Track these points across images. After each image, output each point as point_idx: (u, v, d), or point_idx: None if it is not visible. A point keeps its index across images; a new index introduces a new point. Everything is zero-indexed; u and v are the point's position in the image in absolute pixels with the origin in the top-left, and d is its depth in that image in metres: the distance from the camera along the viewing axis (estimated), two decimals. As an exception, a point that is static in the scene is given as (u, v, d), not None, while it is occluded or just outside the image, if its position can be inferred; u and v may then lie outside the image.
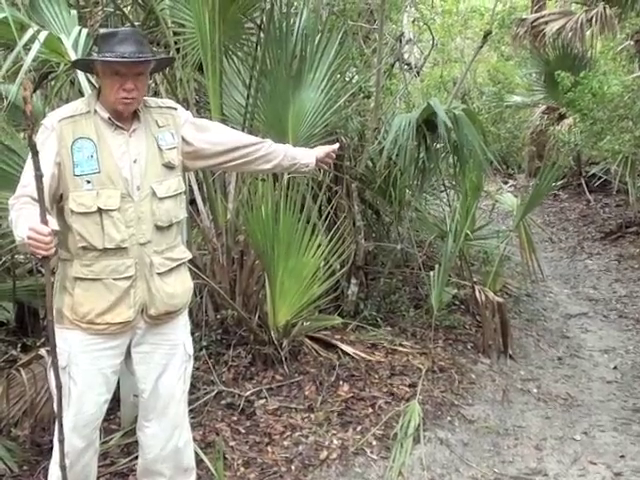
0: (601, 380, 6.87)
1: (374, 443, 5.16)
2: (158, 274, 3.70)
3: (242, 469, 4.73)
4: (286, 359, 5.83)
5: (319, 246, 5.93)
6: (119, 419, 5.04)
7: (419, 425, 5.22)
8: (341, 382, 5.84)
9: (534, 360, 7.16)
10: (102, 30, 3.65)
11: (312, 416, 5.37)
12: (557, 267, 10.89)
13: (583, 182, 14.44)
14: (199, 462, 4.55)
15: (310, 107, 6.29)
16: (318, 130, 6.32)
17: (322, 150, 4.17)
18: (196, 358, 5.43)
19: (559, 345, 7.69)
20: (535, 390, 6.44)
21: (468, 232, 7.41)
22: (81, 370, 3.64)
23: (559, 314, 8.76)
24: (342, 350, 6.20)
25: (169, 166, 3.74)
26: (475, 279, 7.38)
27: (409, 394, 5.73)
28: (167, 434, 3.89)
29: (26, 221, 3.31)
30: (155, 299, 3.70)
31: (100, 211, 3.54)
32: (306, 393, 5.62)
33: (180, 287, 3.82)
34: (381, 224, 8.06)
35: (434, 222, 8.36)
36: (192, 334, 4.03)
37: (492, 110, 16.06)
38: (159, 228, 3.69)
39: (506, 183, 14.73)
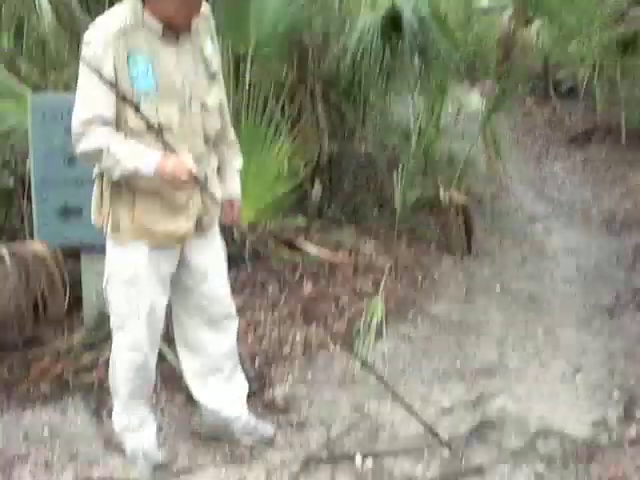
0: (563, 279, 6.91)
1: (337, 339, 5.20)
2: (210, 184, 3.75)
3: (206, 364, 4.75)
4: (250, 259, 5.81)
5: (282, 145, 5.87)
6: (82, 317, 5.02)
7: (382, 321, 5.24)
8: (304, 281, 5.85)
9: (498, 260, 7.19)
10: None
11: (276, 313, 5.39)
12: (522, 170, 10.87)
13: (550, 88, 14.35)
14: (162, 359, 4.56)
15: (271, 5, 6.16)
16: (280, 29, 6.20)
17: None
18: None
19: (523, 246, 7.72)
20: (498, 289, 6.48)
21: (433, 133, 7.36)
22: (150, 280, 3.67)
23: (524, 216, 8.78)
24: (306, 250, 6.20)
25: (212, 77, 3.72)
26: (439, 180, 7.36)
27: (372, 292, 5.75)
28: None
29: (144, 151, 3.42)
30: (209, 210, 3.75)
31: (160, 127, 3.49)
32: (270, 291, 5.62)
33: (219, 193, 3.87)
34: (345, 126, 7.97)
35: (399, 124, 8.29)
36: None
37: (459, 14, 15.84)
38: (206, 141, 3.72)
39: (473, 86, 14.63)
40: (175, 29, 3.51)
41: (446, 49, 6.67)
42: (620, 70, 11.52)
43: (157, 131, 3.46)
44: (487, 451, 4.10)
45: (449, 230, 6.94)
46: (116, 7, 3.54)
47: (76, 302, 5.04)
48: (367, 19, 6.77)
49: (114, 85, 3.38)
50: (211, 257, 3.87)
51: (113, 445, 4.06)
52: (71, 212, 4.88)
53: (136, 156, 3.42)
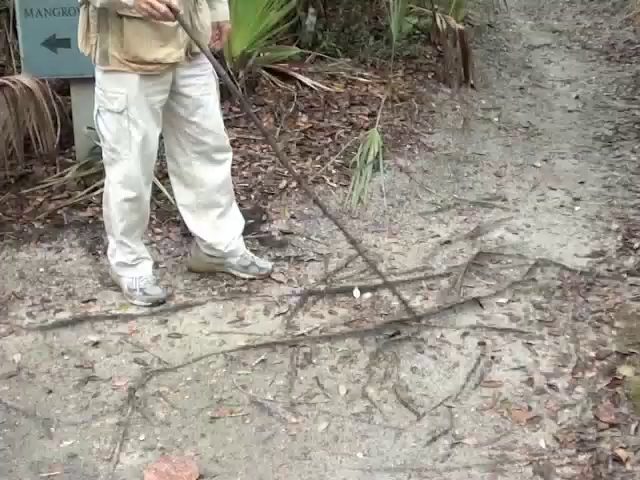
0: (562, 109, 6.82)
1: (333, 172, 5.15)
2: (199, 9, 3.62)
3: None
4: (243, 91, 5.68)
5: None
6: (74, 153, 4.94)
7: (378, 153, 5.17)
8: (300, 113, 5.76)
9: (495, 90, 7.07)
10: None
11: (271, 147, 5.30)
12: (521, -1, 10.63)
13: None
14: (157, 192, 4.51)
15: None
16: None
17: None
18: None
19: (521, 75, 7.59)
20: (496, 119, 6.40)
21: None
22: (142, 110, 3.59)
23: (522, 45, 8.61)
24: (300, 81, 6.07)
25: None
26: (436, 8, 7.14)
27: (368, 123, 5.66)
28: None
29: None
30: (200, 36, 3.62)
31: None
32: (264, 124, 5.51)
33: (209, 18, 3.73)
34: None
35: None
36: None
37: None
38: None
39: None
40: None
41: None
42: None
43: None
44: (485, 282, 4.09)
45: (446, 60, 6.78)
46: None
47: (68, 140, 4.95)
48: None
49: None
50: (203, 87, 3.75)
51: (109, 282, 4.05)
52: (59, 43, 4.70)
53: None
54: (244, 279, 4.09)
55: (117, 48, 3.47)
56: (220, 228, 4.03)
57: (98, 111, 3.66)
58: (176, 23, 3.46)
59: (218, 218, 4.01)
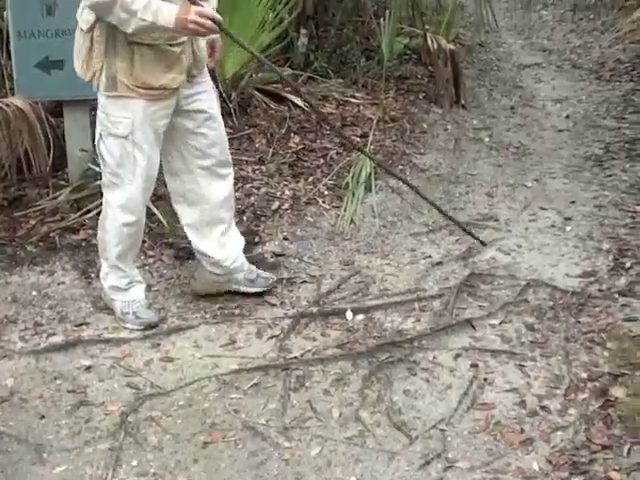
0: (553, 129, 6.84)
1: (326, 193, 5.16)
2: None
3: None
4: (235, 112, 5.69)
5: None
6: (67, 175, 4.94)
7: (370, 174, 5.19)
8: (292, 134, 5.77)
9: (487, 109, 7.09)
10: None
11: (263, 168, 5.33)
12: (511, 18, 10.63)
13: None
14: (151, 215, 4.51)
15: None
16: None
17: None
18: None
19: (512, 95, 7.62)
20: (487, 139, 6.42)
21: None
22: (146, 135, 3.61)
23: (512, 64, 8.64)
24: (292, 102, 6.08)
25: None
26: (427, 28, 7.18)
27: (361, 144, 5.67)
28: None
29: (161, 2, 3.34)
30: (198, 60, 3.68)
31: None
32: (257, 145, 5.54)
33: (204, 40, 3.76)
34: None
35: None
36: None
37: None
38: None
39: None
40: None
41: None
42: None
43: None
44: (477, 304, 4.09)
45: (437, 80, 6.81)
46: None
47: (61, 162, 4.95)
48: None
49: None
50: (209, 102, 3.81)
51: (102, 305, 4.04)
52: (52, 65, 4.72)
53: (153, 7, 3.31)
54: (244, 293, 4.12)
55: (126, 74, 3.49)
56: (225, 245, 4.05)
57: (100, 135, 3.67)
58: (180, 49, 3.53)
59: (222, 235, 4.04)
